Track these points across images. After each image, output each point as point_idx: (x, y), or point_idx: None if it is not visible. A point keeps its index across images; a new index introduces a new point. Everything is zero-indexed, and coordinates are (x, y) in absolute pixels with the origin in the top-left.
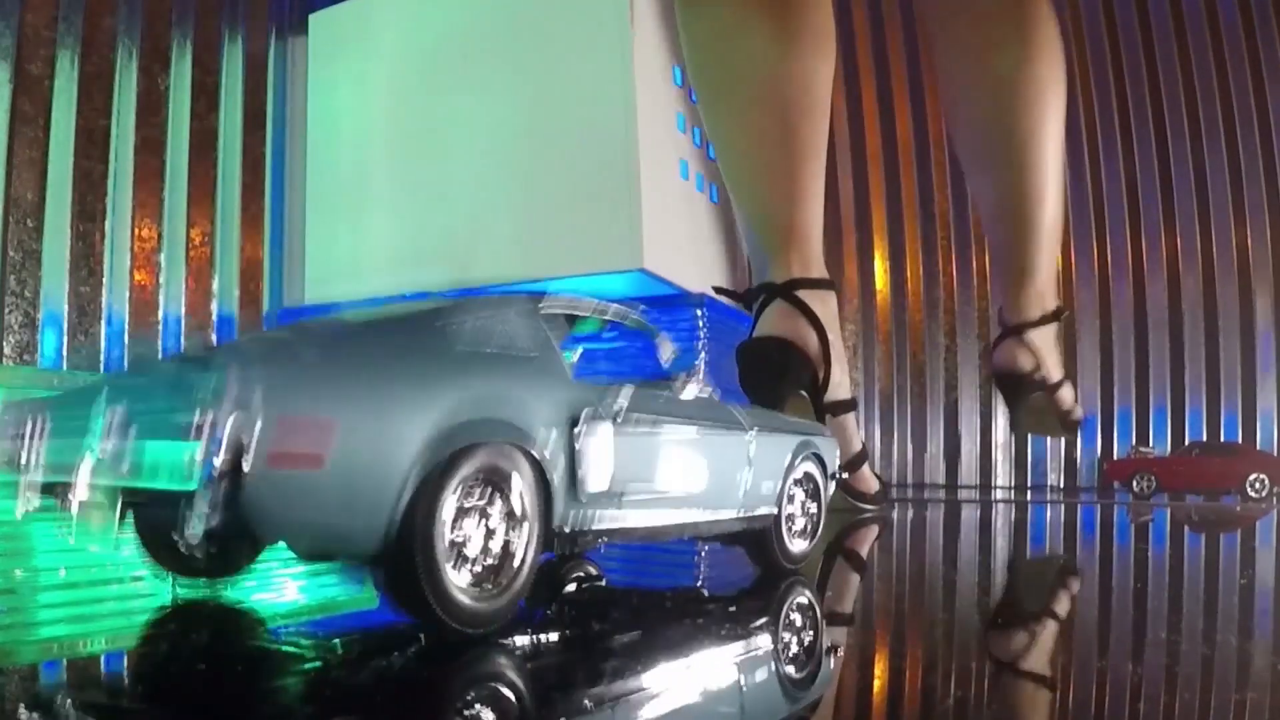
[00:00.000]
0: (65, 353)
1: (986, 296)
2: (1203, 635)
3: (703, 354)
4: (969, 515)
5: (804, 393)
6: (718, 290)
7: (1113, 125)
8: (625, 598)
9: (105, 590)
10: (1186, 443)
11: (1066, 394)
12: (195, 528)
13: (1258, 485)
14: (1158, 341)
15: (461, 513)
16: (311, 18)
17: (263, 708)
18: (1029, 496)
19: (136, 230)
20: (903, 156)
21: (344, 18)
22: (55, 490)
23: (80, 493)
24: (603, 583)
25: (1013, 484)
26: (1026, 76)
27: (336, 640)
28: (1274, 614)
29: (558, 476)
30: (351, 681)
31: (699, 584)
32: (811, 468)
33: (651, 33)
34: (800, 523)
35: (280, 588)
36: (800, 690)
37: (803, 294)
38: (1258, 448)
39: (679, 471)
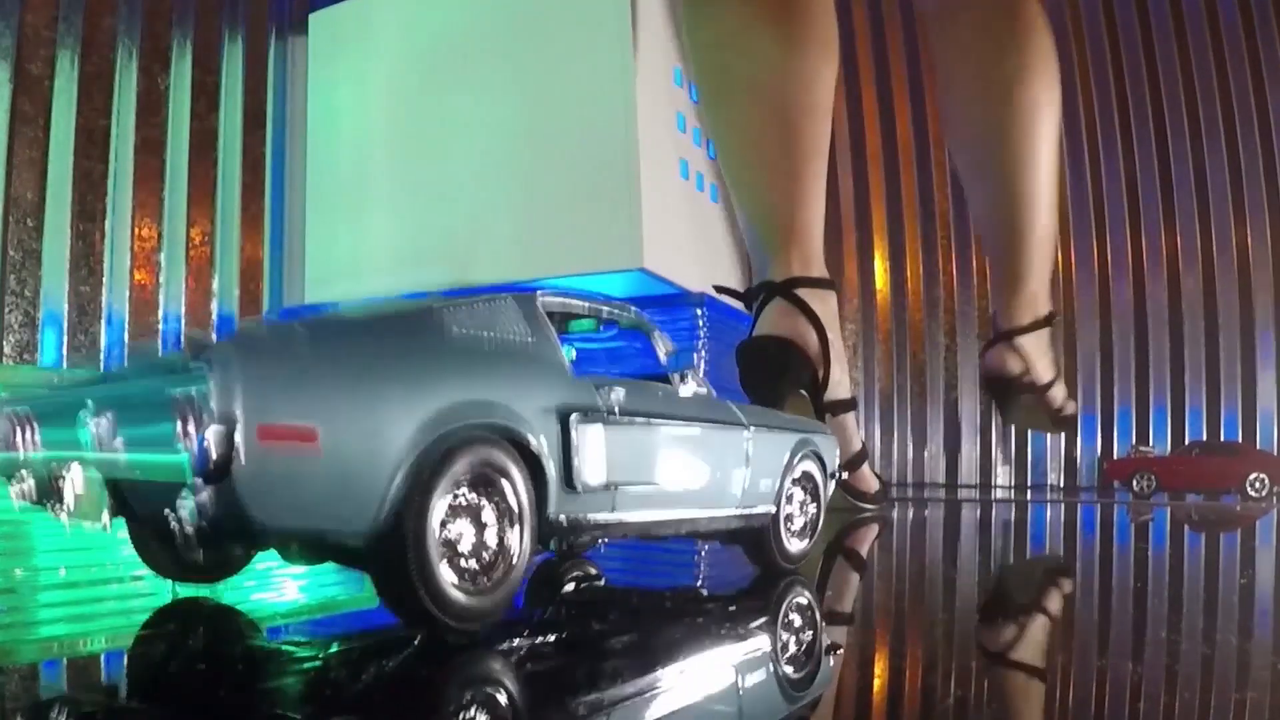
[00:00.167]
0: (65, 352)
1: (986, 296)
2: (1203, 635)
3: (703, 352)
4: (969, 515)
5: (804, 392)
6: (719, 289)
7: (1113, 125)
8: (624, 597)
9: (105, 590)
10: (1186, 442)
11: (1058, 392)
12: (187, 511)
13: (1258, 485)
14: (1158, 341)
15: (455, 507)
16: (311, 18)
17: (262, 708)
18: (1029, 496)
19: (136, 230)
20: (903, 156)
21: (344, 18)
22: (49, 476)
23: (74, 479)
24: (601, 583)
25: (1013, 483)
26: (1021, 91)
27: (335, 640)
28: (1274, 614)
29: (553, 469)
30: (350, 682)
31: (698, 584)
32: (810, 466)
33: (652, 33)
34: (799, 522)
35: (280, 588)
36: (799, 690)
37: (802, 292)
38: (1258, 447)
39: (675, 468)
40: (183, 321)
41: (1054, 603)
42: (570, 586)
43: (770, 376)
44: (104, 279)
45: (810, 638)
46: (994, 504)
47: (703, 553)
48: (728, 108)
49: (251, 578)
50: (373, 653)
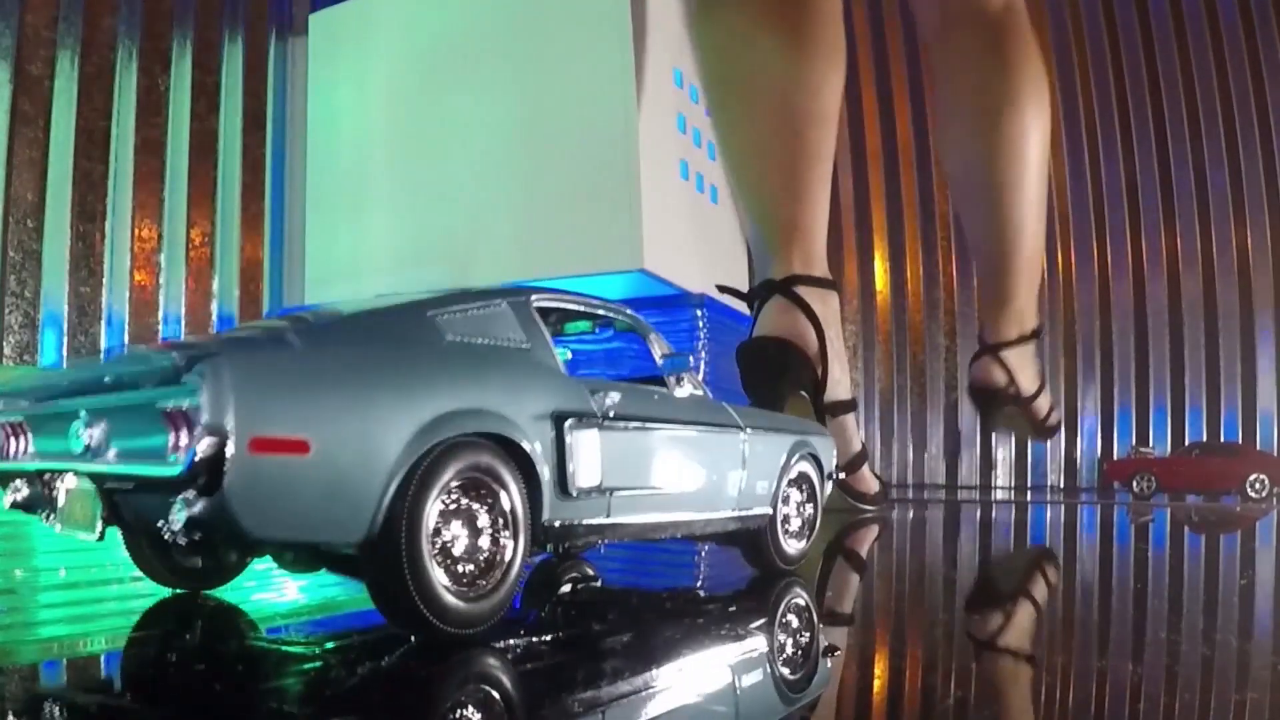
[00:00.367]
0: (65, 353)
1: None
2: (1203, 635)
3: (703, 354)
4: (969, 515)
5: (804, 393)
6: (721, 288)
7: (1113, 125)
8: (622, 598)
9: (105, 590)
10: (1186, 443)
11: (1042, 403)
12: (180, 522)
13: (1258, 485)
14: (1158, 341)
15: (448, 513)
16: (311, 18)
17: (261, 708)
18: (1029, 497)
19: (136, 230)
20: (903, 156)
21: (344, 18)
22: (41, 479)
23: (67, 488)
24: (598, 584)
25: (1013, 484)
26: (1011, 117)
27: (334, 640)
28: (1274, 614)
29: (547, 474)
30: (348, 682)
31: (697, 585)
32: (807, 468)
33: (652, 34)
34: (796, 523)
35: (279, 588)
36: (796, 691)
37: (803, 291)
38: (1258, 448)
39: (671, 471)
40: (183, 322)
41: (1054, 604)
42: (568, 587)
43: (770, 378)
44: (104, 280)
45: (807, 639)
46: (994, 505)
47: (701, 554)
48: (734, 110)
49: (251, 578)
50: (372, 652)
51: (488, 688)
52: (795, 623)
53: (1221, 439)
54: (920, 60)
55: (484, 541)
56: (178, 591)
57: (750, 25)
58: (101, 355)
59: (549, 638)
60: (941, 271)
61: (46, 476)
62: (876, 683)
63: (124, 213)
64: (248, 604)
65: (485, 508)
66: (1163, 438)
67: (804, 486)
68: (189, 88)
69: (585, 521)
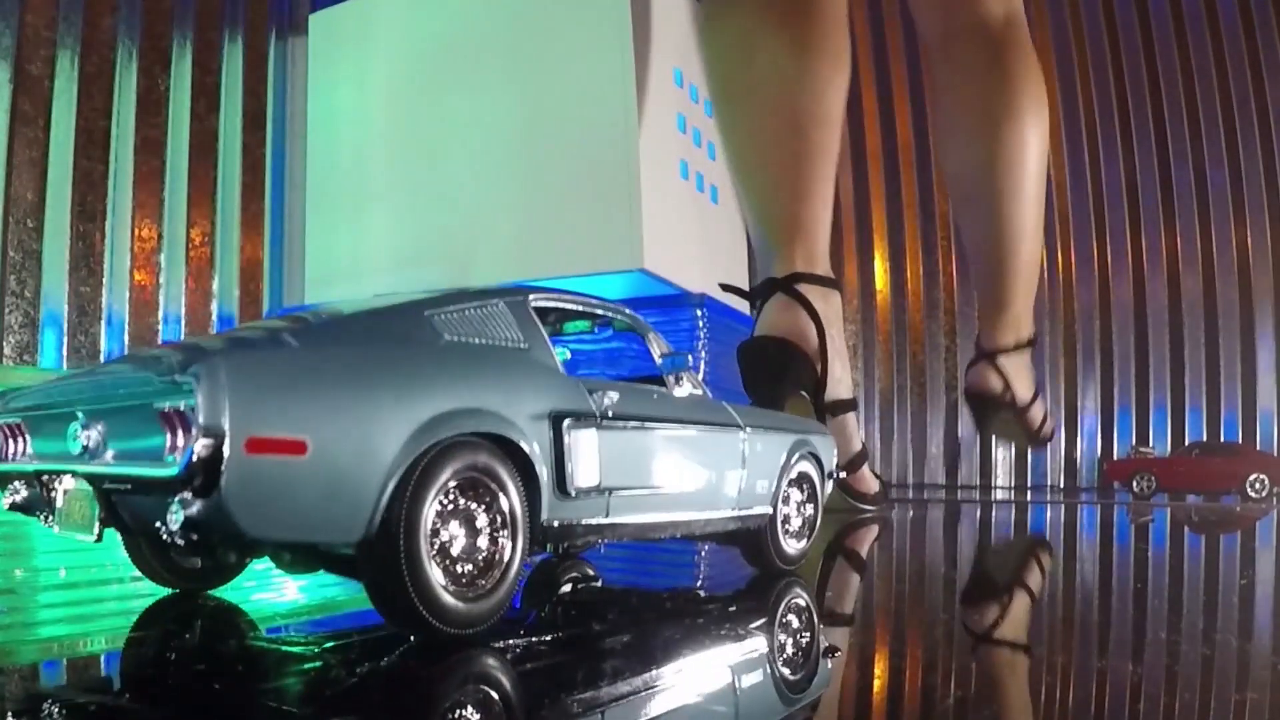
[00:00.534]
0: (65, 353)
1: None
2: (1203, 635)
3: (703, 354)
4: (969, 515)
5: (804, 393)
6: (725, 287)
7: (1113, 125)
8: (622, 598)
9: (105, 590)
10: (1186, 443)
11: (1037, 412)
12: (177, 523)
13: (1258, 485)
14: (1158, 341)
15: (447, 514)
16: (311, 18)
17: (260, 707)
18: (1029, 497)
19: (136, 230)
20: (903, 157)
21: (344, 18)
22: (39, 481)
23: (65, 490)
24: (598, 584)
25: (1013, 484)
26: (1010, 129)
27: (333, 641)
28: (1274, 614)
29: (545, 475)
30: (348, 682)
31: (697, 584)
32: (807, 467)
33: (652, 34)
34: (796, 523)
35: (279, 588)
36: (796, 692)
37: (805, 289)
38: (1258, 448)
39: (670, 471)
40: (183, 322)
41: (1054, 604)
42: (567, 587)
43: (771, 377)
44: (104, 279)
45: (807, 639)
46: (994, 505)
47: (701, 554)
48: (740, 111)
49: (251, 578)
50: (371, 652)
51: (487, 688)
52: (795, 623)
53: (1221, 439)
54: (920, 61)
55: (482, 541)
56: (177, 591)
57: (757, 29)
58: (101, 359)
59: (549, 638)
60: (941, 271)
61: (44, 478)
62: (877, 683)
63: (124, 212)
64: (247, 604)
65: (483, 508)
66: (1163, 438)
67: (804, 486)
68: (189, 88)
69: (584, 521)
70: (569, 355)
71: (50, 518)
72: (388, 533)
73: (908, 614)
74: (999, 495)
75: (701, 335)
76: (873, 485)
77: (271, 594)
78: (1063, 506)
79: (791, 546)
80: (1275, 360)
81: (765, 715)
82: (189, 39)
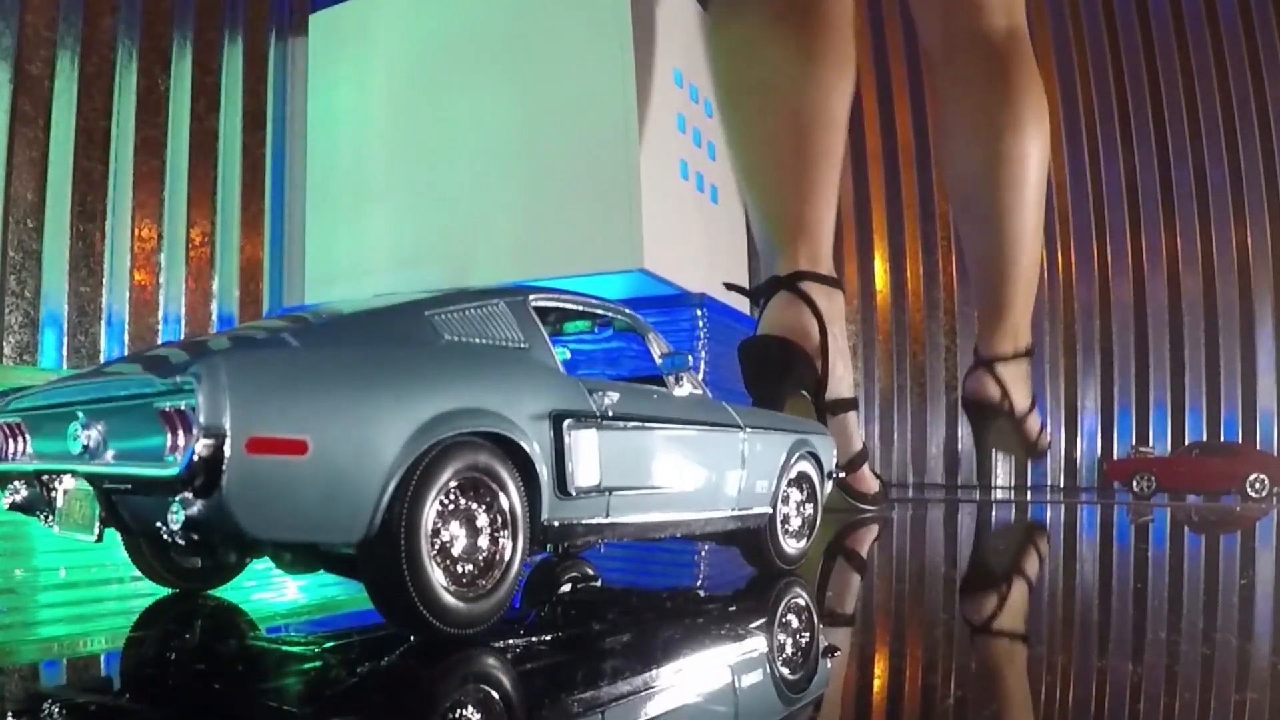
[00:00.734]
0: (65, 353)
1: None
2: (1203, 635)
3: (703, 353)
4: (968, 515)
5: (805, 393)
6: (728, 286)
7: (1113, 125)
8: (622, 598)
9: (105, 590)
10: (1186, 443)
11: (1033, 423)
12: (178, 523)
13: (1258, 485)
14: (1158, 341)
15: (447, 514)
16: (311, 18)
17: (261, 707)
18: (1029, 496)
19: (136, 230)
20: (903, 157)
21: (344, 18)
22: (39, 481)
23: (66, 490)
24: (598, 584)
25: (1013, 484)
26: (1011, 141)
27: (333, 641)
28: (1274, 614)
29: (546, 474)
30: (348, 682)
31: (696, 584)
32: (807, 467)
33: (652, 34)
34: (795, 523)
35: (279, 588)
36: (796, 691)
37: (807, 286)
38: (1258, 448)
39: (670, 471)
40: (183, 322)
41: (1054, 603)
42: (567, 587)
43: (773, 376)
44: (104, 279)
45: (807, 639)
46: (994, 505)
47: (701, 554)
48: (746, 114)
49: (251, 578)
50: (371, 652)
51: (487, 688)
52: (795, 623)
53: (1221, 439)
54: (921, 62)
55: (483, 541)
56: (177, 591)
57: (763, 36)
58: (101, 359)
59: (549, 638)
60: (941, 271)
61: (45, 478)
62: (876, 683)
63: (124, 213)
64: (248, 604)
65: (484, 507)
66: (1163, 438)
67: (804, 486)
68: (189, 88)
69: (584, 521)
70: (569, 355)
71: (50, 518)
72: (388, 533)
73: (908, 614)
74: (999, 495)
75: (701, 335)
76: (873, 485)
77: (271, 594)
78: (1063, 506)
79: (791, 546)
80: (1275, 360)
81: (765, 715)
82: (189, 39)
